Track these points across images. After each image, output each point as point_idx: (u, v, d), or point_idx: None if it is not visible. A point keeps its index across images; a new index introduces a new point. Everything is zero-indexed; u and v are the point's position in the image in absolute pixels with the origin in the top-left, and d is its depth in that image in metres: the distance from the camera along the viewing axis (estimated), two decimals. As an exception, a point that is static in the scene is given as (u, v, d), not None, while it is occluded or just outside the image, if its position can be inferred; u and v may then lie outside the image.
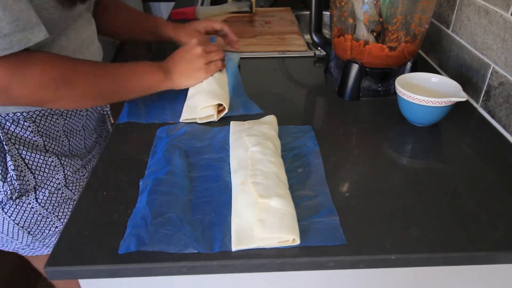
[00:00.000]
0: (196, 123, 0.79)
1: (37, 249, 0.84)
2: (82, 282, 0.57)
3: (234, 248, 0.53)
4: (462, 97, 0.73)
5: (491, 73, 0.82)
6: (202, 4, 1.59)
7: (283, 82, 0.98)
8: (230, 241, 0.54)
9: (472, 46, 0.88)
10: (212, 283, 0.58)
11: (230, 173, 0.65)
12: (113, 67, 0.73)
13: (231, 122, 0.76)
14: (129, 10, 0.99)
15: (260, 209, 0.55)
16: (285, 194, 0.58)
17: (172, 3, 1.65)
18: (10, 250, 0.85)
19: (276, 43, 1.16)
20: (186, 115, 0.80)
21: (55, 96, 0.66)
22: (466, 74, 0.91)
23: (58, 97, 0.67)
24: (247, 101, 0.86)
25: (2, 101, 0.64)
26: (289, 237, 0.53)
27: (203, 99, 0.79)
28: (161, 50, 1.13)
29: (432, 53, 1.07)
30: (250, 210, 0.56)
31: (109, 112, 0.92)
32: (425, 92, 0.80)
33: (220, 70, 0.86)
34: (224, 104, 0.79)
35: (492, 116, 0.82)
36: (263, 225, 0.54)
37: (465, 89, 0.89)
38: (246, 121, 0.76)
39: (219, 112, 0.80)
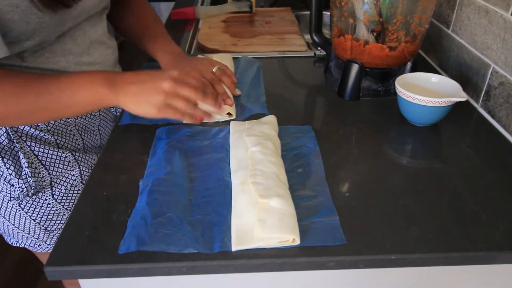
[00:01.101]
0: (196, 123, 0.79)
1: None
2: (82, 282, 0.57)
3: (234, 248, 0.53)
4: (462, 97, 0.73)
5: (491, 73, 0.82)
6: (202, 4, 1.59)
7: (283, 82, 0.98)
8: (230, 241, 0.54)
9: (472, 46, 0.88)
10: (212, 283, 0.58)
11: (230, 173, 0.65)
12: (40, 82, 0.62)
13: (231, 122, 0.76)
14: (144, 17, 0.91)
15: (260, 209, 0.55)
16: (285, 194, 0.58)
17: (172, 3, 1.65)
18: (26, 247, 0.86)
19: (276, 43, 1.17)
20: None
21: None
22: (466, 74, 0.91)
23: None
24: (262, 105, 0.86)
25: None
26: (289, 237, 0.53)
27: (211, 110, 0.79)
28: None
29: (432, 53, 1.07)
30: (250, 210, 0.56)
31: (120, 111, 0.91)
32: (425, 92, 0.80)
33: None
34: (231, 112, 0.80)
35: (492, 116, 0.82)
36: (263, 225, 0.54)
37: (465, 89, 0.89)
38: (246, 121, 0.76)
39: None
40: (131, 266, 0.51)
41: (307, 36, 1.11)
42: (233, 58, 1.02)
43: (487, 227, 0.57)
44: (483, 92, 0.85)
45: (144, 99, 0.64)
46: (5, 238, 0.86)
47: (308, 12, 1.08)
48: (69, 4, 0.65)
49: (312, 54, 1.10)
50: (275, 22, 1.32)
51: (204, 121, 0.75)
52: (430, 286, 0.61)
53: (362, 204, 0.61)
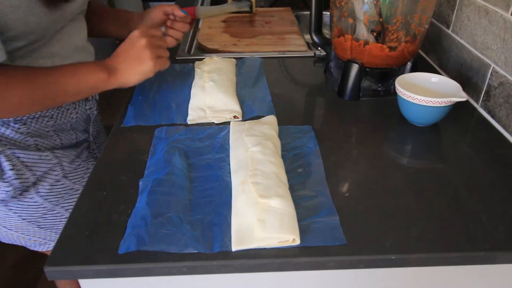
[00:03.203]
0: (197, 124, 0.79)
1: (55, 241, 0.86)
2: (82, 282, 0.57)
3: (234, 248, 0.53)
4: (462, 97, 0.73)
5: (491, 73, 0.82)
6: (202, 4, 1.59)
7: (283, 82, 0.98)
8: (230, 241, 0.54)
9: (472, 46, 0.88)
10: (212, 283, 0.58)
11: (230, 173, 0.65)
12: (47, 73, 0.68)
13: (231, 122, 0.76)
14: (114, 11, 0.99)
15: (260, 209, 0.55)
16: (285, 194, 0.58)
17: (172, 3, 1.65)
18: (27, 246, 0.86)
19: (276, 43, 1.17)
20: (195, 117, 0.80)
21: None
22: (466, 74, 0.91)
23: None
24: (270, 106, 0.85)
25: None
26: (289, 237, 0.53)
27: (216, 111, 0.80)
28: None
29: (432, 53, 1.07)
30: (250, 210, 0.56)
31: (95, 113, 0.91)
32: (425, 92, 0.80)
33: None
34: (237, 115, 0.80)
35: (492, 116, 0.82)
36: (263, 225, 0.54)
37: (465, 89, 0.89)
38: (246, 121, 0.76)
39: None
40: (131, 266, 0.51)
41: (307, 36, 1.11)
42: (236, 59, 1.03)
43: (487, 227, 0.57)
44: (483, 92, 0.85)
45: (138, 64, 0.72)
46: (3, 240, 0.86)
47: (308, 12, 1.08)
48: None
49: (312, 54, 1.10)
50: (275, 22, 1.32)
51: (209, 121, 0.79)
52: (430, 286, 0.61)
53: (362, 204, 0.61)
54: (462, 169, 0.69)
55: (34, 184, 0.78)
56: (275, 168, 0.62)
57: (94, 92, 0.73)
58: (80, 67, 0.71)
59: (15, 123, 0.74)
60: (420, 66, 0.92)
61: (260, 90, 0.91)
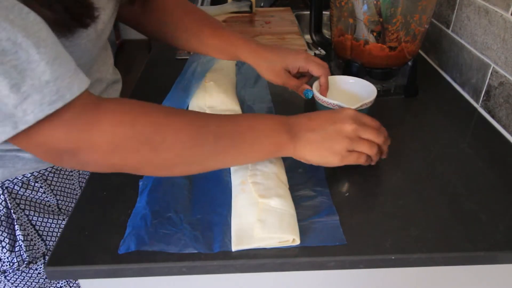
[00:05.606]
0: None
1: None
2: (82, 282, 0.57)
3: (234, 248, 0.53)
4: (372, 98, 0.70)
5: (491, 73, 0.82)
6: (202, 4, 1.59)
7: (283, 82, 0.98)
8: (230, 241, 0.54)
9: (472, 46, 0.88)
10: (212, 283, 0.58)
11: (230, 173, 0.65)
12: (218, 122, 0.54)
13: (231, 122, 0.76)
14: (191, 16, 0.82)
15: (260, 209, 0.55)
16: (285, 194, 0.58)
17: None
18: None
19: (276, 43, 1.16)
20: None
21: (135, 161, 0.51)
22: (466, 74, 0.91)
23: (139, 163, 0.51)
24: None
25: (71, 165, 0.52)
26: (289, 237, 0.53)
27: (217, 111, 0.79)
28: (162, 52, 1.13)
29: (432, 53, 1.07)
30: (250, 210, 0.56)
31: None
32: (348, 95, 0.77)
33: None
34: None
35: (492, 116, 0.82)
36: (263, 225, 0.54)
37: (465, 89, 0.89)
38: (246, 121, 0.76)
39: None
40: (131, 266, 0.51)
41: (307, 36, 1.11)
42: None
43: (487, 227, 0.57)
44: (483, 92, 0.85)
45: (326, 147, 0.57)
46: None
47: (308, 12, 1.08)
48: (86, 23, 0.52)
49: (312, 54, 1.10)
50: (275, 22, 1.32)
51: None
52: (430, 286, 0.61)
53: (362, 204, 0.61)
54: (462, 169, 0.69)
55: (43, 254, 0.69)
56: (275, 168, 0.62)
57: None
58: (260, 123, 0.56)
59: (36, 182, 0.66)
60: (420, 66, 0.92)
61: (260, 90, 0.91)
